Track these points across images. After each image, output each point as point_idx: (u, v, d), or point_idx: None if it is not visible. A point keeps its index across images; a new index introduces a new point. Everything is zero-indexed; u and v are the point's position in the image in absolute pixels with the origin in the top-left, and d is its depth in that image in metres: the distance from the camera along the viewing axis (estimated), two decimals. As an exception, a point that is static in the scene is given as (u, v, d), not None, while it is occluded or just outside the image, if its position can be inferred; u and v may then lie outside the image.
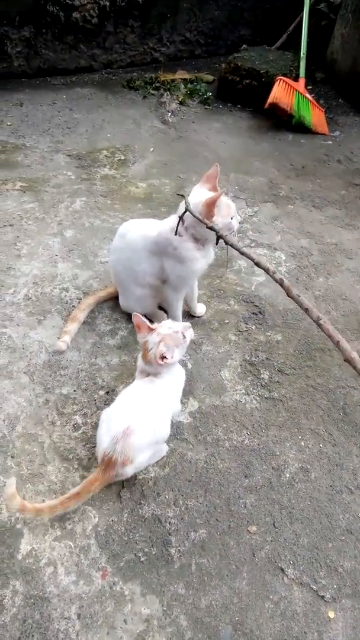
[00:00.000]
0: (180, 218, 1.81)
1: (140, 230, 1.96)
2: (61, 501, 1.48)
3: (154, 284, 2.00)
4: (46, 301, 2.24)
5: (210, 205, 1.75)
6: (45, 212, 2.74)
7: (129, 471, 1.52)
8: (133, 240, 1.95)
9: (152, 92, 4.01)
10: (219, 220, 1.79)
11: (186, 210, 1.78)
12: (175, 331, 1.59)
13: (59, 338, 2.04)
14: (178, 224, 1.81)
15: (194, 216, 1.77)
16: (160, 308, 2.16)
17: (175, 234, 1.83)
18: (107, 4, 3.88)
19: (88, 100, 3.87)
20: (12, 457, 1.70)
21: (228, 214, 1.82)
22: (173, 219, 1.87)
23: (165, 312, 2.14)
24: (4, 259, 2.41)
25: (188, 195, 1.84)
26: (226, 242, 1.79)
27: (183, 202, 1.81)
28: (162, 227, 1.90)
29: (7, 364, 1.97)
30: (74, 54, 4.11)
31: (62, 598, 1.41)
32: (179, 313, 2.07)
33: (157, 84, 4.07)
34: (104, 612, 1.40)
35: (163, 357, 1.54)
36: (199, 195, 1.81)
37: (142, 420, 1.50)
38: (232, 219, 1.84)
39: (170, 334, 1.57)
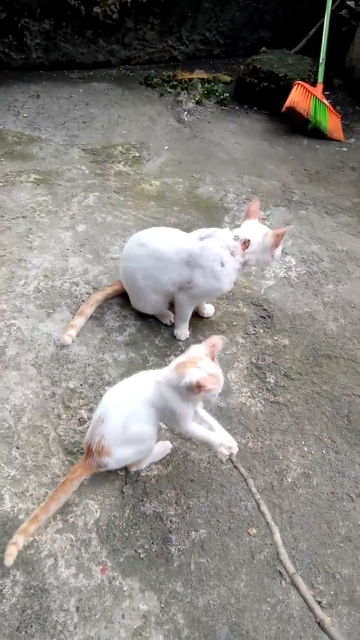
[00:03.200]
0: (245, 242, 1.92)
1: (172, 240, 1.97)
2: (50, 496, 1.49)
3: (173, 291, 2.02)
4: (56, 294, 2.25)
5: (281, 237, 1.92)
6: (58, 206, 2.75)
7: (109, 462, 1.50)
8: (163, 249, 1.95)
9: (169, 90, 4.01)
10: (279, 250, 1.97)
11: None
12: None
13: (64, 332, 2.05)
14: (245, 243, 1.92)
15: None
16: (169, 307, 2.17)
17: None
18: (129, 0, 3.88)
19: (105, 96, 3.88)
20: (17, 447, 1.72)
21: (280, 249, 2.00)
22: (221, 234, 1.93)
23: (173, 312, 2.15)
24: (15, 251, 2.42)
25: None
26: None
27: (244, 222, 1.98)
28: (210, 242, 1.92)
29: (16, 355, 1.99)
30: (92, 48, 4.11)
31: (62, 590, 1.43)
32: (189, 316, 2.10)
33: (175, 83, 4.07)
34: (103, 606, 1.41)
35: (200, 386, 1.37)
36: (259, 228, 1.95)
37: (113, 412, 1.48)
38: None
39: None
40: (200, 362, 1.43)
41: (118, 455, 1.50)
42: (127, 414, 1.47)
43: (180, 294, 2.01)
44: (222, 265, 1.90)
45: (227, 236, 1.93)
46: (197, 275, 1.92)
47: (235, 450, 1.48)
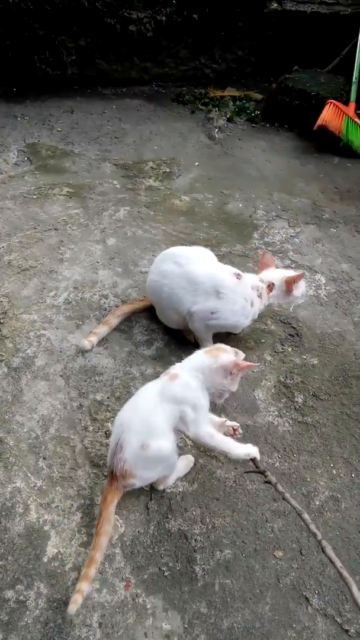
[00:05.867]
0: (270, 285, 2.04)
1: (207, 266, 2.00)
2: (97, 533, 1.44)
3: (188, 318, 2.02)
4: (85, 306, 2.27)
5: (291, 283, 2.01)
6: (89, 219, 2.78)
7: (136, 483, 1.50)
8: (197, 272, 1.97)
9: (201, 107, 4.05)
10: (297, 293, 2.05)
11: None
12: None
13: (86, 337, 2.07)
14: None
15: None
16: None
17: None
18: (164, 19, 3.95)
19: (137, 112, 3.94)
20: (44, 458, 1.72)
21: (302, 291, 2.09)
22: (249, 276, 2.03)
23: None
24: (47, 262, 2.46)
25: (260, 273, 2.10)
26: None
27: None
28: (245, 281, 1.98)
29: (45, 366, 2.01)
30: (126, 65, 4.18)
31: (85, 605, 1.41)
32: (210, 338, 2.08)
33: (206, 100, 4.11)
34: (125, 624, 1.40)
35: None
36: (279, 273, 2.07)
37: (129, 435, 1.46)
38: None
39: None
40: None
41: (144, 476, 1.50)
42: (143, 431, 1.45)
43: (196, 324, 2.00)
44: (252, 305, 1.98)
45: (254, 278, 2.02)
46: (226, 309, 1.95)
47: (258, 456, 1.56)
